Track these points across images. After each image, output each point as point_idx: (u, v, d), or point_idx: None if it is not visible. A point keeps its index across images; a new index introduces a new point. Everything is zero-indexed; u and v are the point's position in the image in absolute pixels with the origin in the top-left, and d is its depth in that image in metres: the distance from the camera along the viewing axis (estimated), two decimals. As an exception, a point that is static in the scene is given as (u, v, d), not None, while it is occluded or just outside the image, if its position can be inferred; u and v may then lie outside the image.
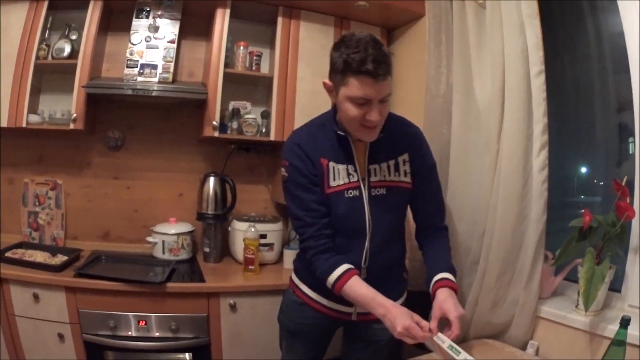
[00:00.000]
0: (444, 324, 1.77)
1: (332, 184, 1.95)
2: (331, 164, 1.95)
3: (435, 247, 2.06)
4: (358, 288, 1.84)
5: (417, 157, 2.03)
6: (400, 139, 2.01)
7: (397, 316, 1.71)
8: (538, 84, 2.16)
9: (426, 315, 2.62)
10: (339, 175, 1.95)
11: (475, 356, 2.02)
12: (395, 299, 2.13)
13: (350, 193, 1.95)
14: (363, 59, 1.64)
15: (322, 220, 1.94)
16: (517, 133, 2.19)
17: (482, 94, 2.44)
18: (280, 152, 3.24)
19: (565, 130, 2.57)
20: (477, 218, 2.40)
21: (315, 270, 1.95)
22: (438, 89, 2.66)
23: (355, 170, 1.96)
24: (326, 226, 1.95)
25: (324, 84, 1.86)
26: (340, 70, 1.72)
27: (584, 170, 2.74)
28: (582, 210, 2.03)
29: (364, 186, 1.96)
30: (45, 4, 2.86)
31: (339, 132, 1.92)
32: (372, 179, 1.97)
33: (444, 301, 1.79)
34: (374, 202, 1.97)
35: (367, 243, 1.99)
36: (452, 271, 1.94)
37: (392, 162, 2.00)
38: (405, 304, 2.22)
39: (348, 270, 1.88)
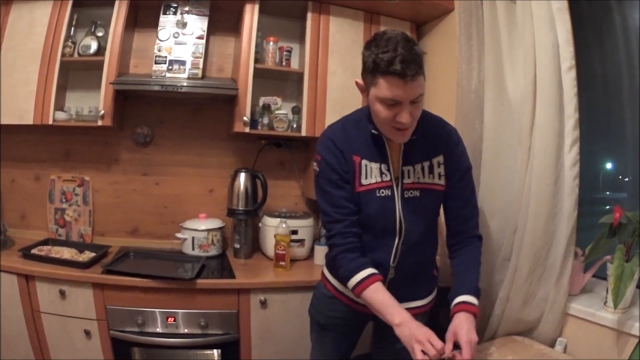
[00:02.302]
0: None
1: (363, 182, 1.91)
2: (364, 161, 1.91)
3: (464, 262, 1.99)
4: (379, 294, 1.82)
5: (452, 159, 1.98)
6: (435, 140, 1.96)
7: (417, 327, 1.69)
8: (569, 79, 2.12)
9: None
10: (371, 174, 1.91)
11: (505, 353, 2.01)
12: (424, 297, 2.14)
13: (382, 192, 1.91)
14: (391, 59, 1.60)
15: (351, 218, 1.91)
16: (549, 129, 2.16)
17: (514, 89, 2.41)
18: (312, 147, 3.26)
19: (593, 125, 2.53)
20: (508, 215, 2.37)
21: (338, 268, 1.93)
22: (470, 84, 2.62)
23: (389, 170, 1.92)
24: (354, 224, 1.92)
25: (356, 84, 1.84)
26: (370, 70, 1.69)
27: (609, 166, 2.70)
28: (611, 207, 2.01)
29: (397, 186, 1.92)
30: (70, 2, 2.87)
31: (373, 131, 1.89)
32: (406, 181, 1.92)
33: (458, 325, 1.75)
34: (407, 204, 1.93)
35: (397, 242, 1.95)
36: (476, 292, 1.88)
37: (426, 164, 1.95)
38: (435, 301, 2.21)
39: (372, 275, 1.85)
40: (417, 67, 1.63)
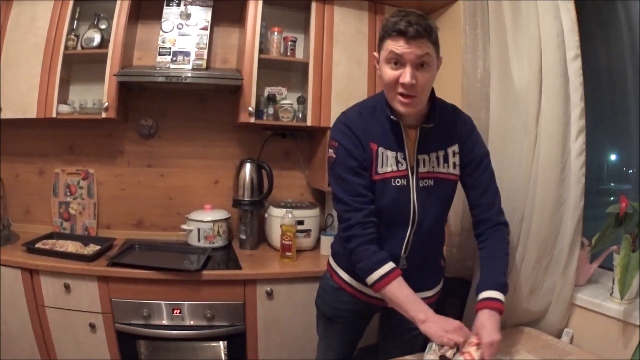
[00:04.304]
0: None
1: (379, 170, 1.87)
2: (380, 149, 1.87)
3: (489, 253, 1.94)
4: (402, 290, 1.78)
5: (468, 147, 1.95)
6: (451, 129, 1.93)
7: (445, 320, 1.70)
8: (575, 68, 2.10)
9: (463, 302, 2.60)
10: (387, 162, 1.87)
11: (512, 344, 1.98)
12: (433, 287, 2.12)
13: (398, 182, 1.87)
14: (398, 21, 1.64)
15: (370, 207, 1.86)
16: (554, 117, 2.13)
17: (519, 78, 2.38)
18: (317, 137, 3.26)
19: (598, 116, 2.51)
20: (515, 203, 2.34)
21: (358, 261, 1.86)
22: (475, 73, 2.60)
23: (405, 158, 1.88)
24: (373, 213, 1.86)
25: (373, 57, 1.85)
26: (380, 38, 1.74)
27: (614, 157, 2.69)
28: (617, 197, 1.99)
29: (412, 175, 1.88)
30: (73, -6, 2.87)
31: (392, 117, 1.84)
32: (421, 170, 1.89)
33: (480, 325, 1.71)
34: (421, 194, 1.90)
35: (409, 233, 1.92)
36: (501, 287, 1.83)
37: (441, 153, 1.92)
38: (442, 292, 2.19)
39: (393, 269, 1.80)
40: (421, 28, 1.64)
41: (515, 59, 2.41)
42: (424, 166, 1.89)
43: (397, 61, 1.69)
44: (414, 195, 1.88)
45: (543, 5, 2.19)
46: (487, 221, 1.98)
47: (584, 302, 2.12)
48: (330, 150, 1.93)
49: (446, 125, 1.90)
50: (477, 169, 1.96)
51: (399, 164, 1.87)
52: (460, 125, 1.97)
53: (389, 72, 1.71)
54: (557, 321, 2.20)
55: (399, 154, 1.87)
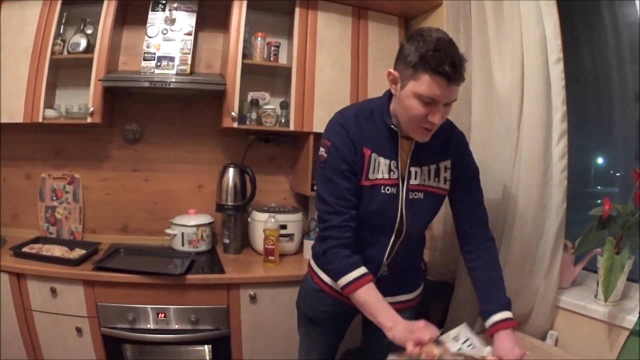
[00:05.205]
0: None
1: (370, 176, 1.87)
2: (373, 155, 1.87)
3: (489, 273, 1.95)
4: (371, 296, 1.79)
5: (462, 163, 1.98)
6: (445, 143, 1.94)
7: (408, 324, 1.70)
8: (557, 71, 2.14)
9: (446, 305, 2.63)
10: (378, 169, 1.87)
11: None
12: (412, 291, 2.15)
13: (388, 190, 1.88)
14: (443, 59, 1.58)
15: (351, 212, 1.86)
16: (536, 121, 2.17)
17: (501, 82, 2.42)
18: (301, 142, 3.28)
19: (583, 120, 2.54)
20: (498, 206, 2.38)
21: (330, 262, 1.88)
22: (458, 78, 2.63)
23: (397, 167, 1.88)
24: (353, 218, 1.86)
25: (389, 74, 1.79)
26: (413, 64, 1.65)
27: (600, 160, 2.72)
28: (601, 200, 2.01)
29: (402, 186, 1.89)
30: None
31: (392, 126, 1.85)
32: (412, 182, 1.90)
33: (501, 347, 1.75)
34: (410, 205, 1.91)
35: (392, 240, 1.94)
36: (509, 306, 1.86)
37: (433, 167, 1.93)
38: (424, 295, 2.23)
39: (364, 275, 1.81)
40: (463, 72, 1.64)
41: (498, 63, 2.45)
42: (415, 178, 1.90)
43: (431, 101, 1.66)
44: (402, 206, 1.90)
45: (526, 9, 2.23)
46: (477, 236, 2.00)
47: (569, 304, 2.17)
48: (322, 149, 1.92)
49: (440, 140, 1.90)
50: (469, 185, 1.99)
51: (391, 172, 1.87)
52: (454, 141, 1.98)
53: (418, 108, 1.68)
54: (541, 323, 2.24)
55: (392, 162, 1.87)
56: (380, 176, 1.87)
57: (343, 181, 1.85)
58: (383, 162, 1.87)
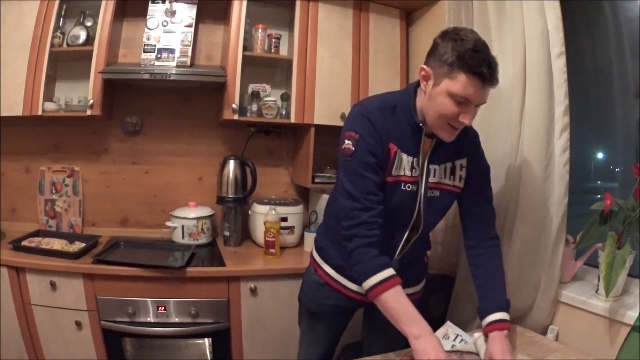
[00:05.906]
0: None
1: (394, 172, 1.83)
2: (399, 151, 1.83)
3: (489, 271, 1.94)
4: (400, 300, 1.72)
5: (475, 161, 1.97)
6: (461, 142, 1.90)
7: (432, 344, 1.62)
8: (559, 65, 2.11)
9: (447, 298, 2.62)
10: (401, 165, 1.84)
11: None
12: (417, 284, 2.14)
13: (408, 187, 1.85)
14: (481, 60, 1.58)
15: (379, 207, 1.78)
16: (538, 115, 2.15)
17: (503, 75, 2.36)
18: (301, 134, 3.27)
19: (584, 115, 2.52)
20: (499, 200, 2.35)
21: (356, 263, 1.79)
22: (459, 71, 2.61)
23: (418, 165, 1.85)
24: (381, 214, 1.78)
25: (422, 69, 1.75)
26: (449, 62, 1.63)
27: (601, 155, 2.70)
28: (602, 195, 1.99)
29: (422, 183, 1.87)
30: (59, -8, 2.86)
31: (420, 124, 1.82)
32: (431, 180, 1.88)
33: (493, 349, 1.72)
34: (428, 203, 1.90)
35: (406, 237, 1.93)
36: (506, 307, 1.85)
37: (449, 165, 1.91)
38: (426, 288, 2.22)
39: (393, 276, 1.74)
40: (497, 76, 1.63)
41: (500, 56, 2.38)
42: (434, 176, 1.88)
43: (464, 101, 1.65)
44: (420, 203, 1.88)
45: (528, 2, 2.20)
46: (482, 233, 1.98)
47: (570, 299, 2.14)
48: (348, 142, 1.81)
49: (457, 139, 1.85)
50: (481, 181, 1.98)
51: (413, 170, 1.84)
52: (471, 138, 1.98)
53: (450, 107, 1.66)
54: (542, 318, 2.22)
55: (414, 159, 1.84)
56: (402, 173, 1.84)
57: (372, 175, 1.79)
58: (406, 158, 1.83)
